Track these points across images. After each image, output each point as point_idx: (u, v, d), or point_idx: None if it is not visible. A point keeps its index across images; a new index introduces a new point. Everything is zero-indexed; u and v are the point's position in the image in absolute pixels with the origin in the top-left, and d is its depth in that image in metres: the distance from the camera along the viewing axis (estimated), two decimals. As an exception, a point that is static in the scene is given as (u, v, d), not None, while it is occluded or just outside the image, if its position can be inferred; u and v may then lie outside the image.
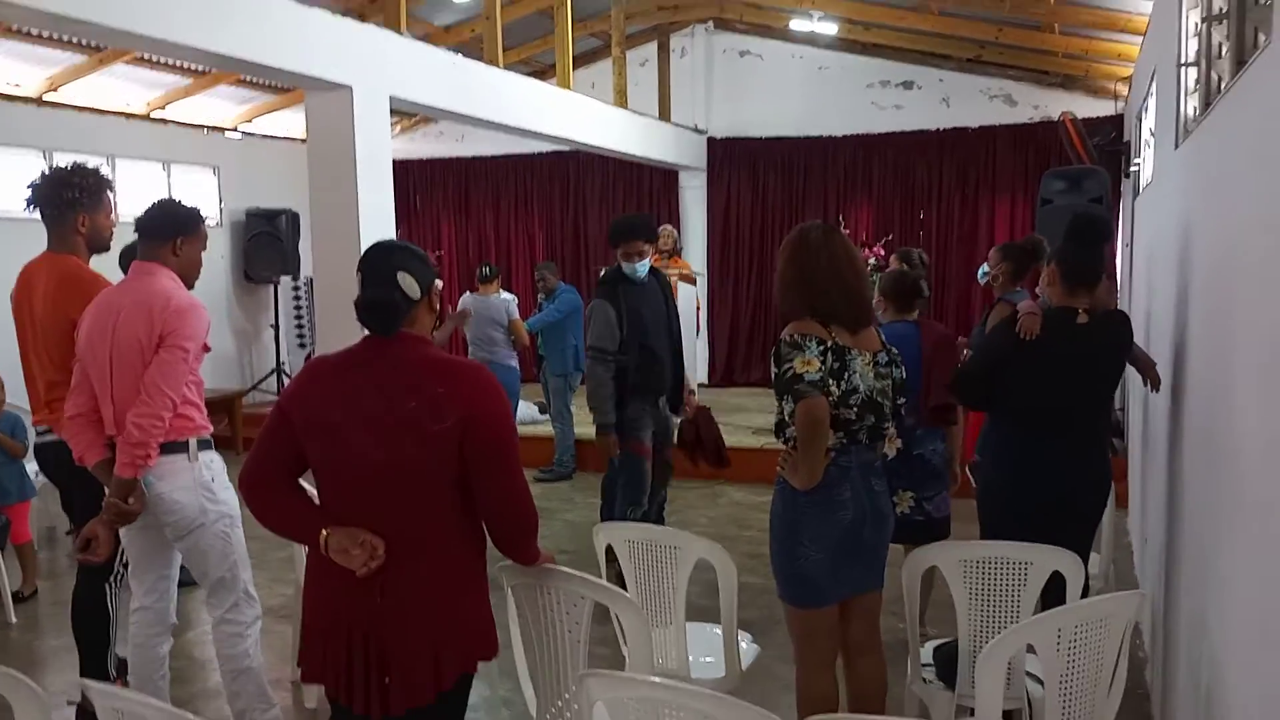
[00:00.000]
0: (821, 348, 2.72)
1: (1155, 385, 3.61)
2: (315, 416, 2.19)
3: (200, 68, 8.62)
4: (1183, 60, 3.48)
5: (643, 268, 4.71)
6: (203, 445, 3.15)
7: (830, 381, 2.71)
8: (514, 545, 2.38)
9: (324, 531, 2.16)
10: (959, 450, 4.19)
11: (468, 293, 7.75)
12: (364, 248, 2.33)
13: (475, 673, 2.24)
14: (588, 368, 4.70)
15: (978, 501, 3.54)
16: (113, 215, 3.59)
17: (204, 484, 3.12)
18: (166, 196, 3.40)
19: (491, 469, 2.18)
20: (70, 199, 3.42)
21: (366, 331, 2.24)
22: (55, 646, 4.42)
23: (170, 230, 3.18)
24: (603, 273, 4.91)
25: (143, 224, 3.20)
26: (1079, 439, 3.32)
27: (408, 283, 2.21)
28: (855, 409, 2.74)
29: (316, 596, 2.25)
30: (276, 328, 10.22)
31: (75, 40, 7.68)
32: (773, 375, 2.79)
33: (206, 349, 3.18)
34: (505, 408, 2.23)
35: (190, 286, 3.23)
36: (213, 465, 3.18)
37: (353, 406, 2.16)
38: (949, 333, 4.42)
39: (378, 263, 2.25)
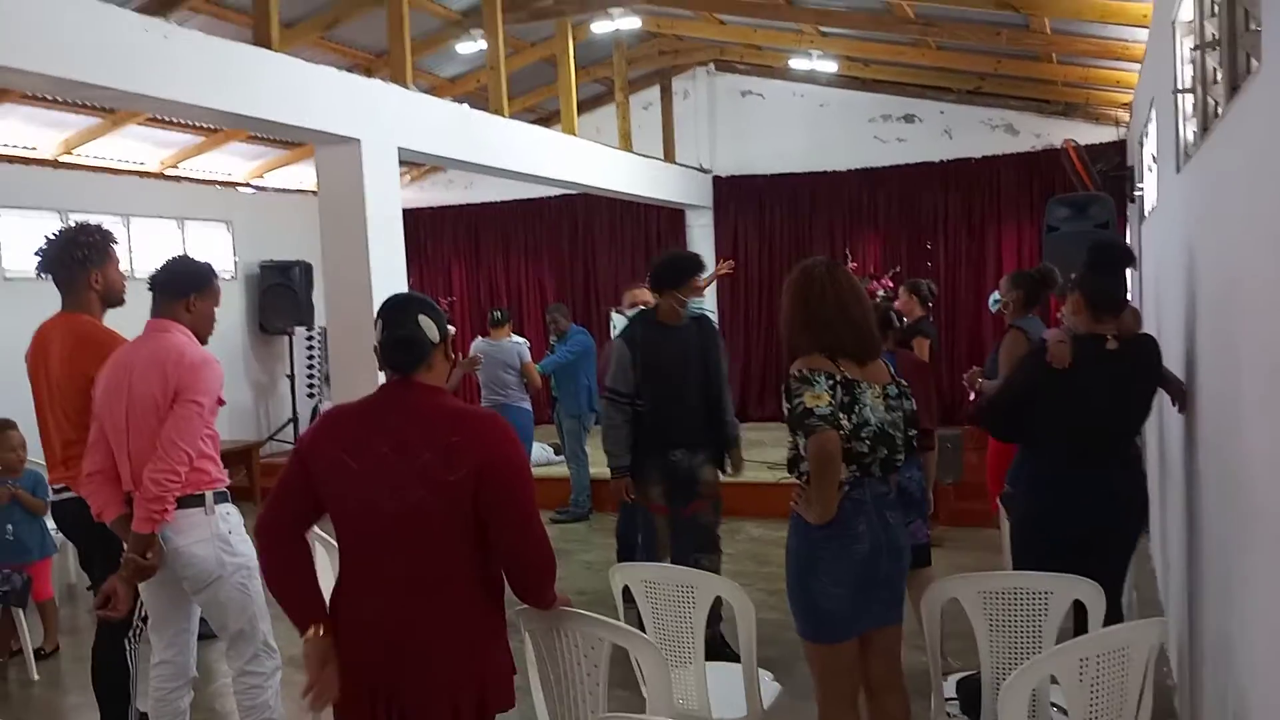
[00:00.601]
0: (830, 382, 2.73)
1: (1183, 405, 3.61)
2: (332, 465, 2.22)
3: (211, 126, 8.77)
4: (1179, 86, 3.52)
5: (695, 304, 4.63)
6: (219, 498, 3.18)
7: (841, 415, 2.71)
8: (532, 591, 2.38)
9: (311, 629, 2.21)
10: (934, 476, 4.29)
11: (479, 338, 7.80)
12: (376, 296, 2.41)
13: None
14: (603, 409, 4.63)
15: (1012, 533, 3.53)
16: (121, 267, 3.65)
17: (221, 536, 3.14)
18: (179, 254, 3.48)
19: (508, 517, 2.19)
20: (80, 257, 3.48)
21: (381, 381, 2.28)
22: (77, 703, 4.42)
23: (184, 288, 3.24)
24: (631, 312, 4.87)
25: (157, 281, 3.26)
26: (1117, 465, 3.32)
27: (427, 324, 2.27)
28: (868, 441, 2.74)
29: (343, 642, 2.25)
30: (292, 378, 10.29)
31: (88, 104, 7.83)
32: (784, 411, 2.80)
33: (221, 403, 3.22)
34: (521, 455, 2.26)
35: (204, 342, 3.28)
36: (229, 518, 3.20)
37: (368, 455, 2.18)
38: (922, 362, 4.47)
39: (398, 307, 2.32)
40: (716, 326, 4.69)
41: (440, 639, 2.16)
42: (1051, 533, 3.29)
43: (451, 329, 2.44)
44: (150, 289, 3.27)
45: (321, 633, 2.22)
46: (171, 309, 3.23)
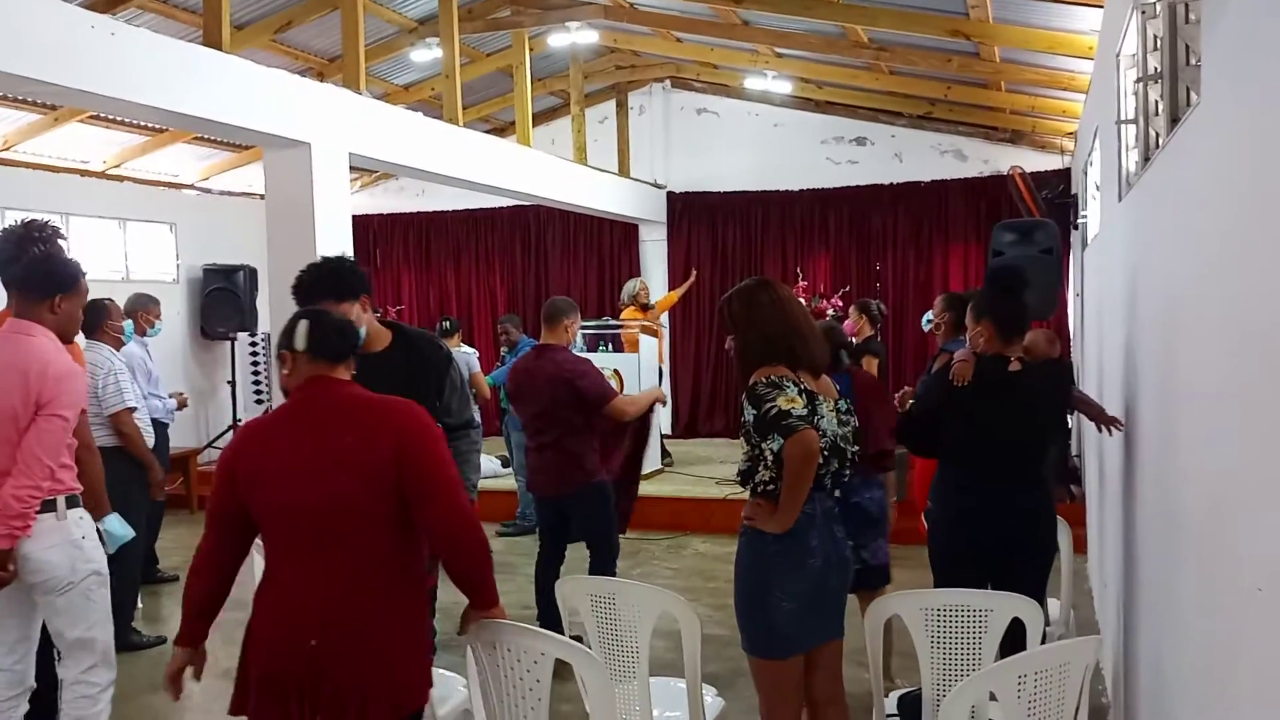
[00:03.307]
0: (799, 388, 2.75)
1: (1113, 427, 3.67)
2: (255, 473, 2.24)
3: (157, 125, 8.60)
4: (1122, 117, 3.60)
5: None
6: (70, 503, 3.09)
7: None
8: (473, 577, 2.34)
9: (184, 650, 2.38)
10: (893, 496, 4.30)
11: (428, 347, 7.72)
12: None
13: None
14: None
15: (928, 546, 3.59)
16: None
17: (74, 541, 3.07)
18: (45, 252, 3.28)
19: (431, 490, 2.20)
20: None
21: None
22: None
23: (50, 288, 3.10)
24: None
25: (20, 280, 3.11)
26: (1017, 483, 3.37)
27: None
28: (824, 453, 2.76)
29: (254, 639, 2.28)
30: (234, 384, 10.08)
31: (30, 100, 7.63)
32: (747, 419, 2.78)
33: (84, 412, 3.15)
34: (436, 432, 2.30)
35: (67, 343, 3.17)
36: (83, 523, 3.12)
37: (289, 454, 2.21)
38: (879, 382, 4.52)
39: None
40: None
41: (356, 633, 2.17)
42: (954, 546, 3.38)
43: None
44: (9, 286, 3.12)
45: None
46: (34, 310, 3.08)
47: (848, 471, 2.87)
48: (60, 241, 3.47)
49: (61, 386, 2.98)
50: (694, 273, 10.21)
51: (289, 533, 2.22)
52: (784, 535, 2.74)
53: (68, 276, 3.18)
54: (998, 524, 3.31)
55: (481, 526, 2.35)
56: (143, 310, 5.88)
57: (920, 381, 4.85)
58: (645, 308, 8.99)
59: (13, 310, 3.13)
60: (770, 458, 2.74)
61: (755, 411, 2.75)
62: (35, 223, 3.44)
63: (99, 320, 4.74)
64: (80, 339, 3.63)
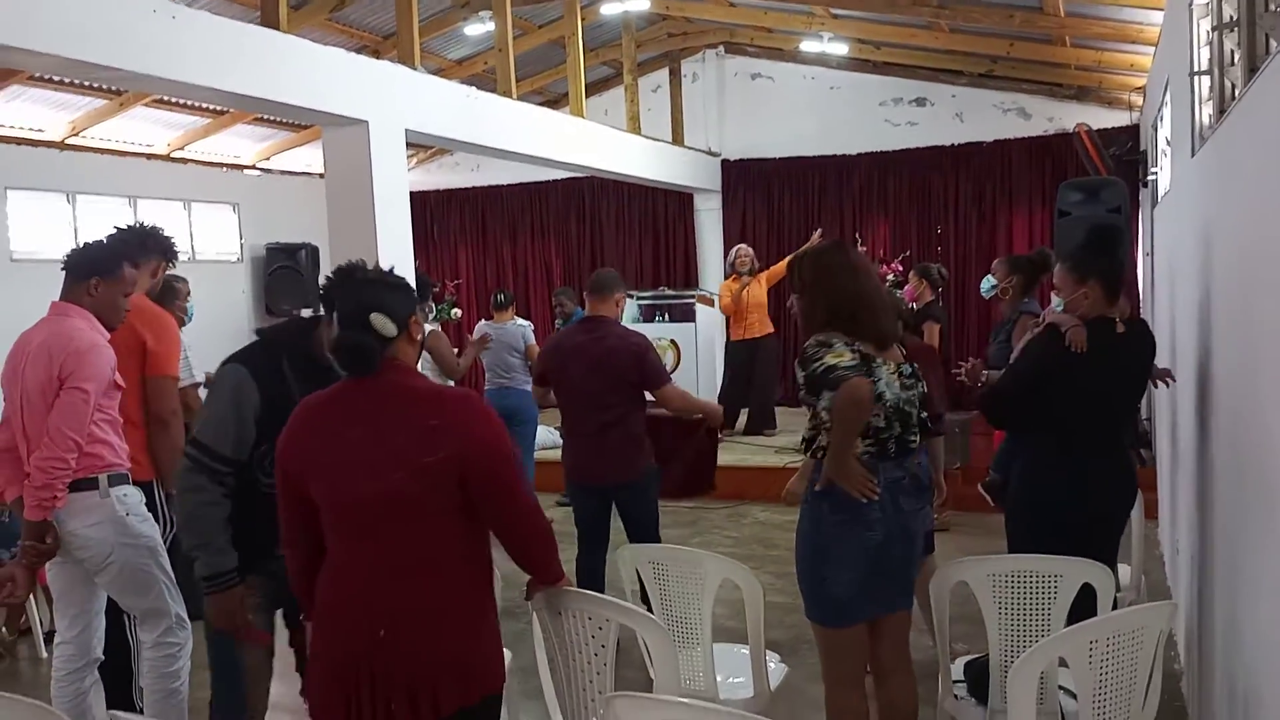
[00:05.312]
0: (849, 346, 2.72)
1: (1169, 379, 3.61)
2: (307, 456, 2.20)
3: (219, 108, 8.76)
4: (1195, 69, 3.48)
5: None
6: (115, 480, 3.17)
7: None
8: (537, 564, 2.38)
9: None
10: (942, 461, 4.18)
11: (483, 320, 7.79)
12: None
13: (475, 704, 2.17)
14: None
15: (1009, 520, 3.50)
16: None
17: (117, 519, 3.14)
18: (96, 238, 3.42)
19: (496, 494, 2.18)
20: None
21: None
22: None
23: (88, 271, 3.20)
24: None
25: (66, 262, 3.25)
26: (1116, 450, 3.31)
27: (380, 323, 2.15)
28: (883, 416, 2.73)
29: (320, 628, 2.25)
30: (299, 360, 10.30)
31: (96, 85, 7.81)
32: (800, 383, 2.77)
33: (119, 387, 3.19)
34: (500, 432, 2.22)
35: (111, 329, 3.23)
36: (127, 499, 3.19)
37: (341, 444, 2.15)
38: (929, 346, 4.41)
39: (348, 302, 2.20)
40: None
41: (422, 620, 2.13)
42: (1053, 520, 3.24)
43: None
44: (62, 268, 3.24)
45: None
46: (74, 292, 3.20)
47: (914, 438, 2.83)
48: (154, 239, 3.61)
49: (82, 360, 3.05)
50: (818, 230, 9.44)
51: (346, 522, 2.18)
52: (844, 507, 2.71)
53: (106, 262, 3.25)
54: (1098, 494, 3.22)
55: (543, 513, 2.32)
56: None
57: (991, 349, 4.75)
58: (741, 276, 8.72)
59: (60, 293, 3.24)
60: (825, 418, 2.71)
61: (805, 373, 2.72)
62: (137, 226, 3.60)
63: (169, 300, 4.86)
64: None
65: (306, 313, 10.23)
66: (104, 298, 3.21)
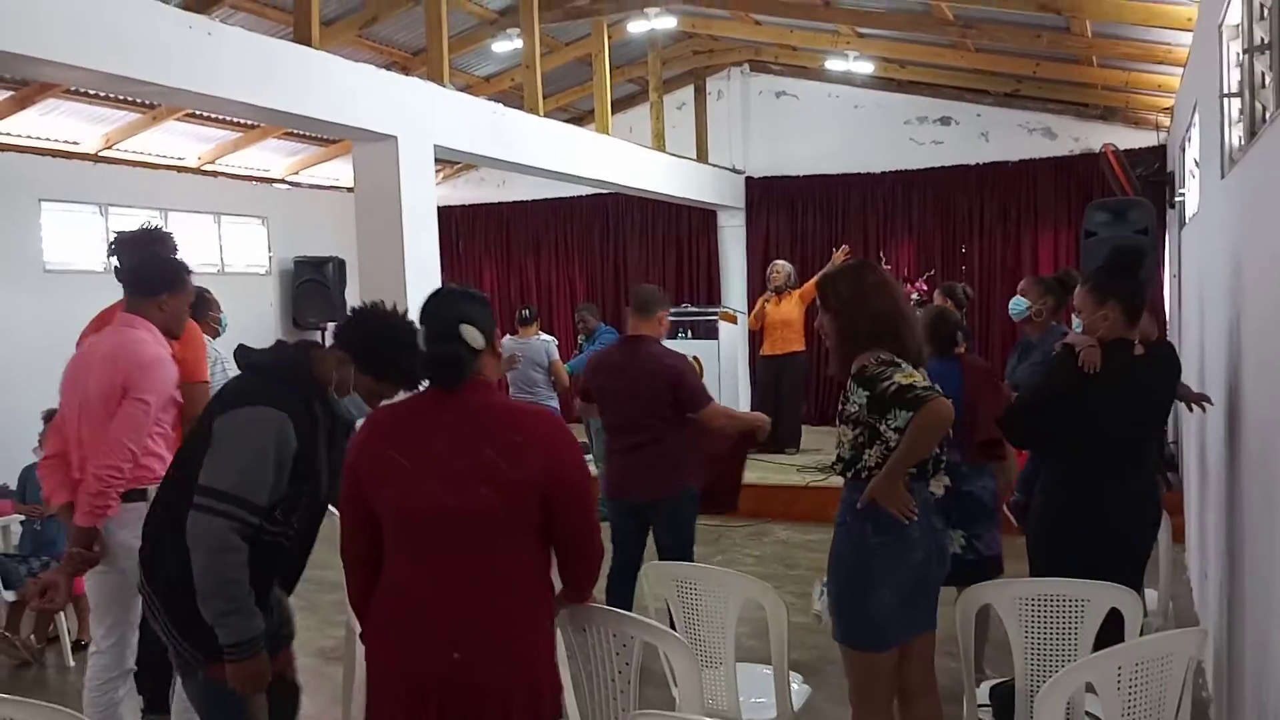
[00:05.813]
0: (912, 368, 2.71)
1: (1203, 405, 3.57)
2: (382, 464, 2.16)
3: (250, 122, 8.87)
4: (1225, 91, 3.46)
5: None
6: None
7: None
8: (581, 581, 2.38)
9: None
10: (1010, 486, 4.09)
11: (507, 336, 7.82)
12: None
13: None
14: None
15: (1029, 541, 3.47)
16: None
17: None
18: (153, 250, 3.45)
19: (575, 512, 2.19)
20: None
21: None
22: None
23: (157, 286, 3.25)
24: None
25: (131, 278, 3.27)
26: (1135, 473, 3.27)
27: (471, 334, 2.17)
28: None
29: (383, 648, 2.19)
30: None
31: (130, 99, 7.93)
32: (857, 403, 2.73)
33: (177, 403, 3.23)
34: (580, 451, 2.25)
35: (174, 339, 3.29)
36: None
37: (421, 454, 2.13)
38: (990, 367, 4.36)
39: (440, 314, 2.22)
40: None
41: (497, 642, 2.10)
42: (1072, 542, 3.22)
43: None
44: (120, 282, 3.28)
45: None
46: (143, 306, 3.24)
47: (942, 460, 2.82)
48: (171, 243, 3.62)
49: (145, 373, 3.10)
50: (844, 247, 9.20)
51: (418, 535, 2.14)
52: (887, 528, 2.70)
53: (175, 275, 3.32)
54: (1116, 516, 3.19)
55: (602, 543, 2.33)
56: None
57: (1011, 369, 4.71)
58: (778, 291, 8.81)
59: (124, 306, 3.28)
60: (894, 436, 2.68)
61: (869, 393, 2.68)
62: (155, 230, 3.60)
63: (203, 312, 4.91)
64: None
65: (332, 325, 10.33)
66: (173, 310, 3.29)
